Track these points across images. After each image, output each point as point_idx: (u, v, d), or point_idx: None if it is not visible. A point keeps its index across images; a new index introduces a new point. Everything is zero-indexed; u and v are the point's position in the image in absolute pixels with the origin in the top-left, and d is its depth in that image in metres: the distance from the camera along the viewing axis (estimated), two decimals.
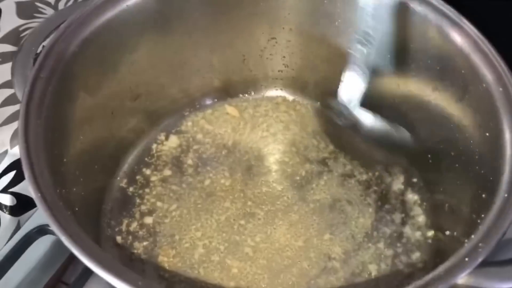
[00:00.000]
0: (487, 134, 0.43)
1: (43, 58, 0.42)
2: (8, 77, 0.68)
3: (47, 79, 0.42)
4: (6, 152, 0.63)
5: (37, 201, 0.34)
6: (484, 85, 0.43)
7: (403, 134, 0.54)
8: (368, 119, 0.55)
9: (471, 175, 0.45)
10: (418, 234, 0.52)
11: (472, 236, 0.35)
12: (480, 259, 0.33)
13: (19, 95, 0.42)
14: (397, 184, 0.55)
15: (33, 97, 0.40)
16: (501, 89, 0.42)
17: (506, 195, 0.37)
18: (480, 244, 0.33)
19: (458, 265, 0.33)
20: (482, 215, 0.37)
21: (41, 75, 0.42)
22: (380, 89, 0.55)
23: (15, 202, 0.59)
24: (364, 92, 0.55)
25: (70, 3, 0.80)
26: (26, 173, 0.35)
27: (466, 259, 0.33)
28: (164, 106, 0.59)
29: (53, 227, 0.33)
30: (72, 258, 0.54)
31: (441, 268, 0.32)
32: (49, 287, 0.53)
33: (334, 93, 0.60)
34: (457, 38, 0.46)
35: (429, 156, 0.53)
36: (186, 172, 0.56)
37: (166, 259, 0.50)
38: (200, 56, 0.58)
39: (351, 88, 0.53)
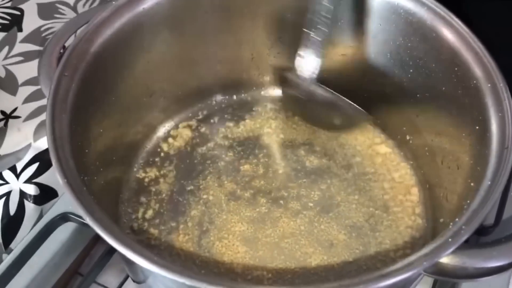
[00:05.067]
0: (477, 127, 0.45)
1: (67, 58, 0.46)
2: (32, 75, 0.73)
3: (70, 77, 0.45)
4: (30, 145, 0.67)
5: (64, 186, 0.37)
6: (474, 82, 0.46)
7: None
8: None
9: (462, 166, 0.48)
10: (415, 221, 0.54)
11: (457, 220, 0.38)
12: (461, 240, 0.36)
13: (45, 92, 0.46)
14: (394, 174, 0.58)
15: (58, 93, 0.44)
16: (489, 85, 0.45)
17: (489, 183, 0.39)
18: (463, 227, 0.36)
19: (442, 245, 0.36)
20: (468, 201, 0.40)
21: (65, 73, 0.45)
22: (375, 82, 0.58)
23: (38, 192, 0.63)
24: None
25: (88, 3, 0.84)
26: (54, 161, 0.39)
27: (450, 239, 0.36)
28: (177, 102, 0.62)
29: (79, 210, 0.36)
30: (89, 248, 0.58)
31: (426, 248, 0.36)
32: (66, 278, 0.56)
33: (340, 90, 0.63)
34: (449, 36, 0.49)
35: (426, 148, 0.56)
36: (198, 163, 0.60)
37: (179, 244, 0.53)
38: (210, 55, 0.61)
39: (308, 64, 0.56)
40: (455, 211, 0.47)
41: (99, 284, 0.55)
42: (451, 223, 0.38)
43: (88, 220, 0.36)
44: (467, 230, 0.36)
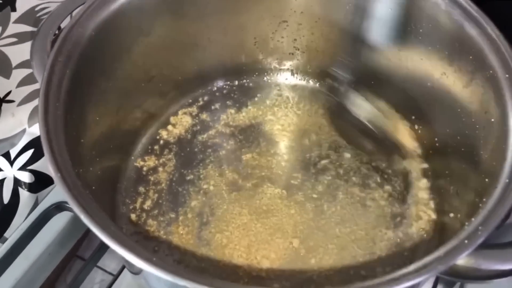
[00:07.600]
0: (493, 119, 0.43)
1: (61, 43, 0.44)
2: (26, 57, 0.70)
3: (64, 63, 0.43)
4: (24, 130, 0.65)
5: (57, 180, 0.35)
6: (491, 72, 0.44)
7: None
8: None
9: (475, 160, 0.45)
10: (423, 215, 0.53)
11: (473, 219, 0.36)
12: (478, 242, 0.34)
13: (38, 78, 0.43)
14: (404, 167, 0.56)
15: (52, 81, 0.42)
16: (507, 75, 0.43)
17: (507, 181, 0.37)
18: (479, 228, 0.35)
19: (457, 247, 0.34)
20: (484, 199, 0.38)
21: (59, 59, 0.43)
22: (387, 72, 0.56)
23: (33, 179, 0.61)
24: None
25: None
26: (46, 155, 0.37)
27: (466, 241, 0.34)
28: (177, 87, 0.61)
29: (73, 205, 0.34)
30: (88, 234, 0.57)
31: (441, 250, 0.34)
32: (64, 262, 0.56)
33: (345, 76, 0.61)
34: (466, 24, 0.46)
35: (436, 139, 0.54)
36: (199, 152, 0.58)
37: (179, 236, 0.52)
38: (212, 38, 0.59)
39: None
40: (467, 207, 0.45)
41: (100, 268, 0.56)
42: (466, 223, 0.37)
43: (82, 218, 0.34)
44: (484, 231, 0.34)
